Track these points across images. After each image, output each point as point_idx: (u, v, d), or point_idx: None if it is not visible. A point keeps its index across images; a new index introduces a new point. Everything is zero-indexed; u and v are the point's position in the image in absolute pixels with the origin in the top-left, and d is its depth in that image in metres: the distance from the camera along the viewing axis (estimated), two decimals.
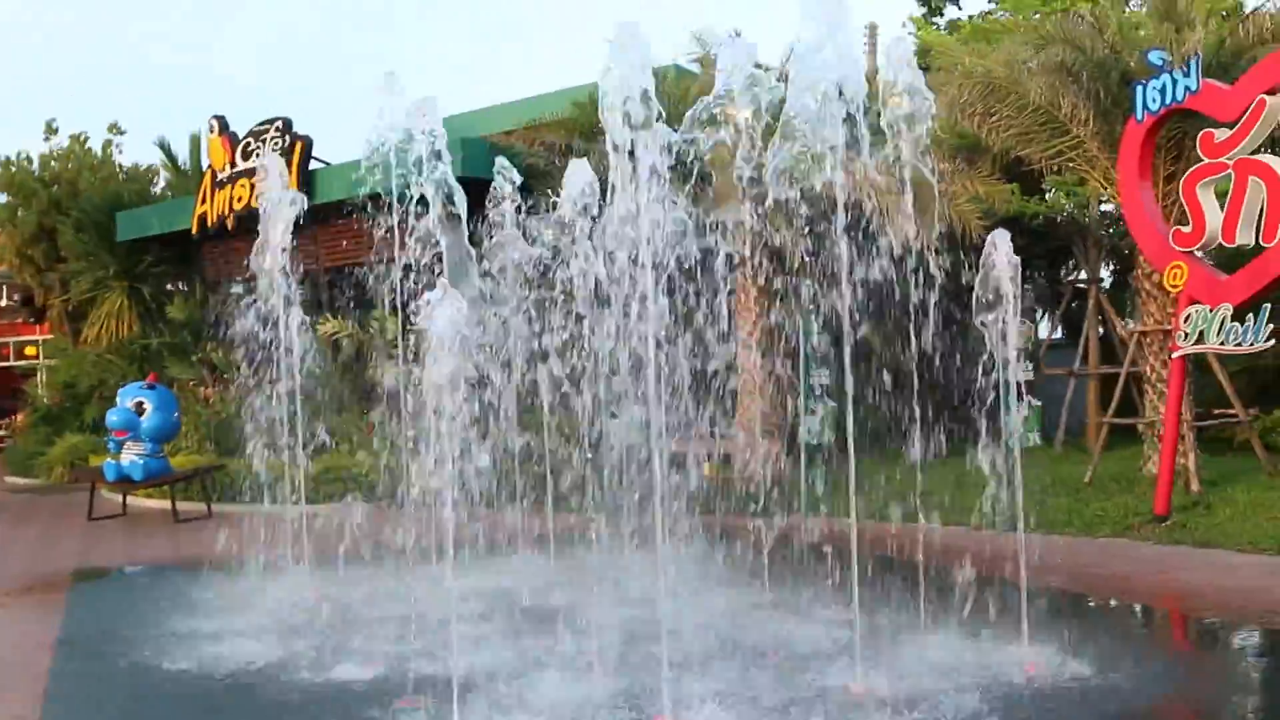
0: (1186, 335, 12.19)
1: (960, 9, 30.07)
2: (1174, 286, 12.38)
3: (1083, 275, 20.32)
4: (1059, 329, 23.64)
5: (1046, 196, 19.69)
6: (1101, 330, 19.99)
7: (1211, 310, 11.92)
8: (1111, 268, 20.92)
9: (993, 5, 27.19)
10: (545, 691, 6.86)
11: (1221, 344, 11.93)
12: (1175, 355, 12.54)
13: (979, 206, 15.87)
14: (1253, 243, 11.82)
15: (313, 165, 19.56)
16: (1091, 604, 9.88)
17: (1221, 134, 11.94)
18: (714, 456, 16.08)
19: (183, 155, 24.82)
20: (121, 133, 26.46)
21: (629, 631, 7.59)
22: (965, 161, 16.42)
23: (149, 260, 23.35)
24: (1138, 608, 9.75)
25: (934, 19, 29.62)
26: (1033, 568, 10.75)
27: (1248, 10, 14.58)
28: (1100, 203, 19.17)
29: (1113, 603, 9.96)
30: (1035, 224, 19.43)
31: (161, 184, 25.68)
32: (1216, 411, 15.11)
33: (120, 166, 26.26)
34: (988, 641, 7.77)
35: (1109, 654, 7.54)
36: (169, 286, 24.45)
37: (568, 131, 17.19)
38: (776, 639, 8.15)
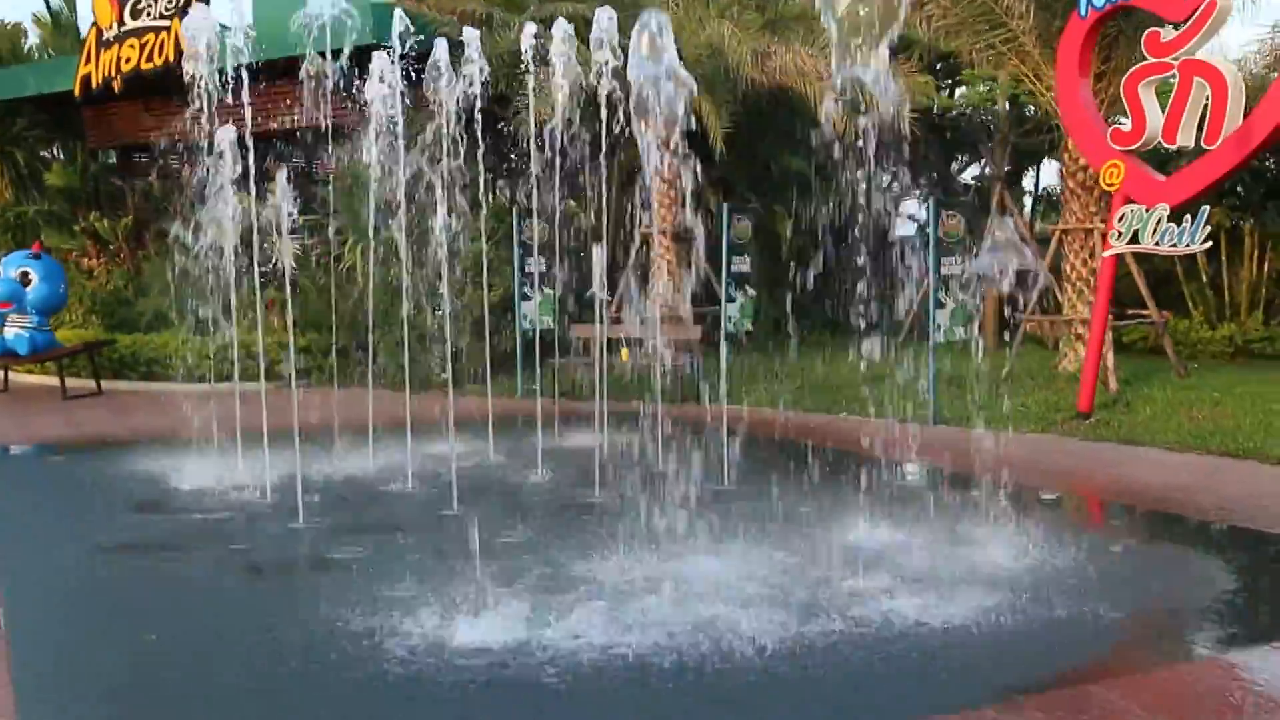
0: (1120, 234, 12.21)
1: None
2: (1110, 185, 12.38)
3: (986, 171, 20.41)
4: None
5: (958, 92, 19.64)
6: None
7: (1148, 210, 11.95)
8: (1009, 166, 20.95)
9: None
10: None
11: (1156, 244, 11.97)
12: (1107, 254, 12.57)
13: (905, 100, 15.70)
14: (1193, 144, 11.86)
15: None
16: (1048, 498, 9.86)
17: (1168, 34, 11.87)
18: (629, 342, 15.87)
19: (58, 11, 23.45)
20: None
21: None
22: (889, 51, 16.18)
23: (21, 123, 22.07)
24: (1100, 503, 9.74)
25: None
26: (970, 459, 10.86)
27: None
28: (1009, 99, 19.17)
29: (1069, 498, 9.96)
30: (946, 119, 19.41)
31: (33, 42, 24.21)
32: (1131, 312, 15.30)
33: None
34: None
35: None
36: (44, 153, 23.20)
37: (486, 1, 16.54)
38: None
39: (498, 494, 9.58)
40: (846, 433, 12.40)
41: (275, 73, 18.26)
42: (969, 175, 23.94)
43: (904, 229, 23.89)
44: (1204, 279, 18.58)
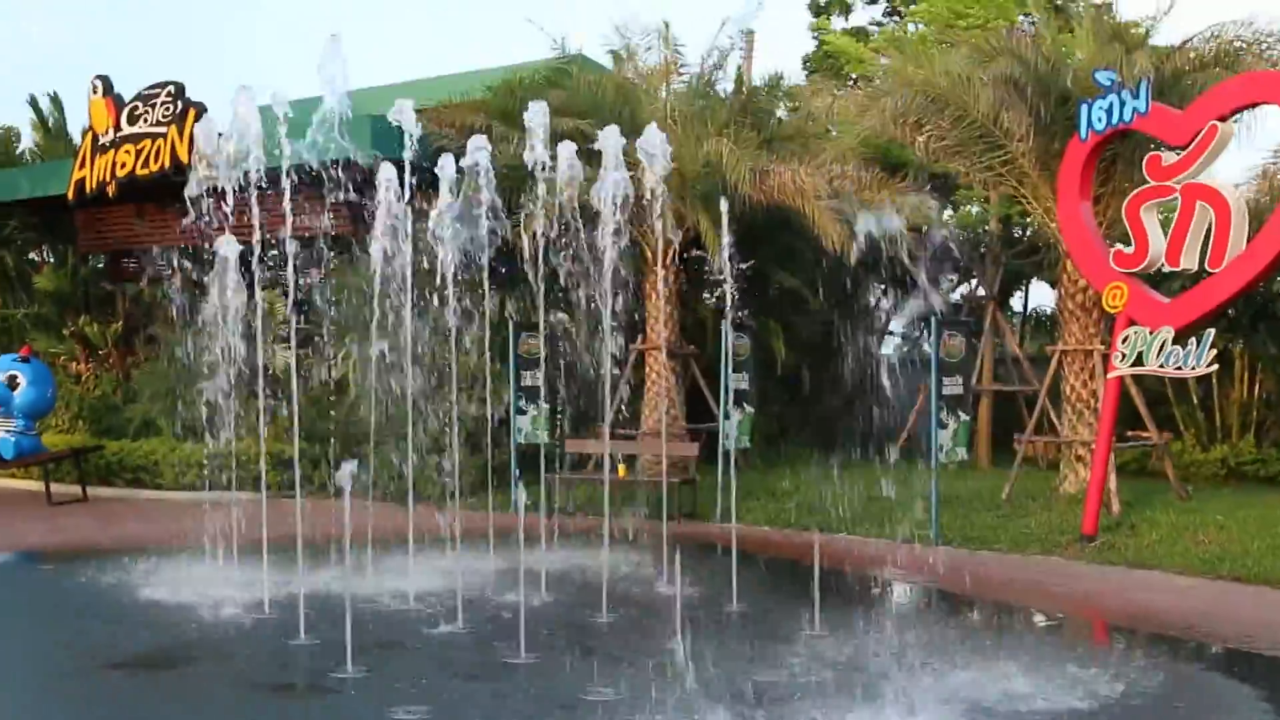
0: (1124, 356, 12.19)
1: (847, 20, 30.08)
2: (1113, 307, 12.38)
3: (979, 292, 20.49)
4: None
5: (951, 212, 19.76)
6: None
7: (1151, 332, 11.94)
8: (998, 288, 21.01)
9: (888, 21, 27.36)
10: None
11: (1161, 366, 11.96)
12: (1111, 375, 12.54)
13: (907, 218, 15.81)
14: (1195, 267, 11.91)
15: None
16: (1066, 625, 9.70)
17: (1169, 158, 11.98)
18: (625, 458, 15.72)
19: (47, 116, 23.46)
20: None
21: None
22: (885, 171, 16.31)
23: (12, 226, 21.99)
24: (1121, 630, 9.56)
25: (822, 30, 29.60)
26: (987, 584, 10.71)
27: (1180, 40, 14.66)
28: (1000, 220, 19.34)
29: (1087, 625, 9.79)
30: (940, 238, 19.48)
31: (24, 145, 24.21)
32: (1131, 433, 15.25)
33: None
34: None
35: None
36: (32, 255, 23.10)
37: (486, 114, 16.61)
38: None
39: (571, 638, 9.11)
40: (858, 554, 12.21)
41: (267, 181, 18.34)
42: (957, 295, 24.02)
43: (889, 348, 23.91)
44: (1194, 401, 18.58)
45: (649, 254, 16.77)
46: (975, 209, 18.40)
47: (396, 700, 6.86)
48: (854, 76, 20.46)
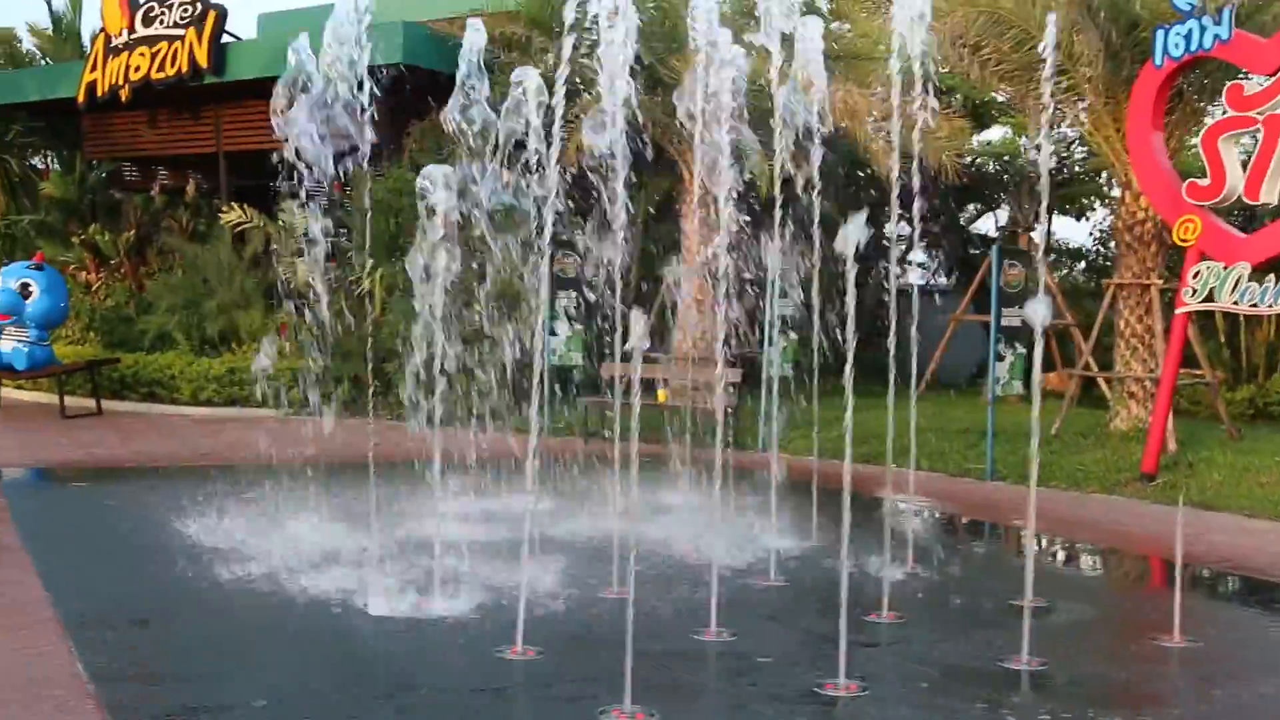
0: (1194, 292, 11.82)
1: None
2: (1184, 240, 11.98)
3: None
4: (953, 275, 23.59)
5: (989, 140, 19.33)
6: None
7: (1226, 268, 11.58)
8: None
9: None
10: None
11: (1235, 303, 11.61)
12: (1179, 311, 12.17)
13: (949, 145, 15.36)
14: (1276, 201, 11.53)
15: (225, 40, 17.91)
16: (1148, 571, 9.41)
17: (1251, 87, 11.56)
18: (668, 382, 15.33)
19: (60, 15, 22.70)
20: None
21: None
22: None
23: (16, 130, 21.31)
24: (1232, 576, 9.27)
25: None
26: (1062, 522, 10.40)
27: None
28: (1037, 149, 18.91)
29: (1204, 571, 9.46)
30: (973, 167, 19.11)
31: (27, 46, 23.42)
32: (1183, 371, 14.93)
33: None
34: None
35: None
36: (34, 161, 22.44)
37: (526, 24, 16.02)
38: None
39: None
40: (918, 488, 11.91)
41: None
42: (983, 225, 23.70)
43: (914, 277, 23.56)
44: (1220, 339, 18.29)
45: (686, 173, 16.30)
46: (1021, 137, 17.97)
47: None
48: None
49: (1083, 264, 23.72)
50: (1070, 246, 23.25)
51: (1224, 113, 11.75)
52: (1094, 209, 23.47)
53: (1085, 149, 20.14)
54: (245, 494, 10.12)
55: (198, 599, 7.02)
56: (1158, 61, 12.19)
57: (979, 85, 15.01)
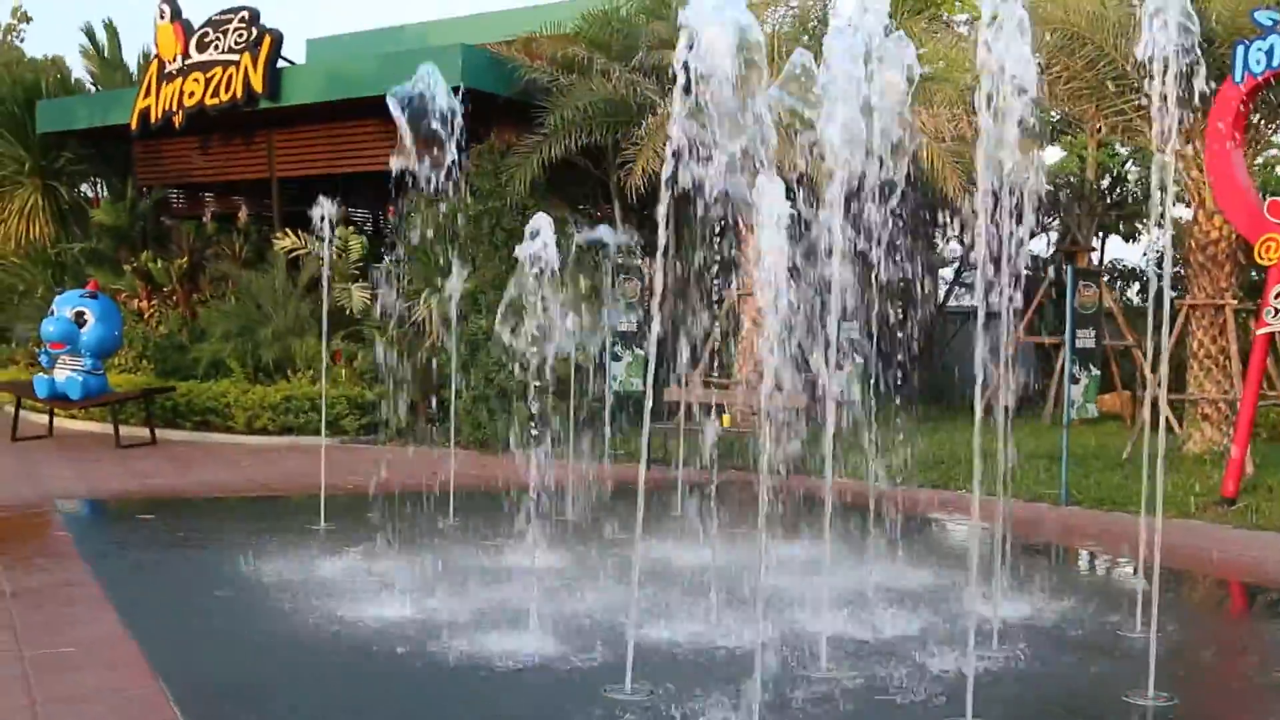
0: (1277, 312, 11.57)
1: None
2: (1267, 260, 11.71)
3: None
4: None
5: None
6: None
7: None
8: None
9: None
10: None
11: None
12: (1261, 331, 11.92)
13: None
14: None
15: (280, 64, 17.85)
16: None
17: None
18: (730, 407, 15.11)
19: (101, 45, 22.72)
20: (28, 19, 24.08)
21: None
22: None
23: (67, 157, 21.31)
24: None
25: None
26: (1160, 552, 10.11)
27: None
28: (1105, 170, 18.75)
29: None
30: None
31: (79, 74, 23.45)
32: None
33: (23, 55, 23.97)
34: None
35: None
36: (82, 187, 22.44)
37: (588, 45, 15.91)
38: None
39: None
40: (992, 513, 11.66)
41: (342, 113, 17.64)
42: (1037, 246, 23.44)
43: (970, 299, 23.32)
44: (1276, 356, 17.97)
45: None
46: (1081, 155, 17.73)
47: None
48: (948, 17, 19.75)
49: (1137, 285, 23.46)
50: (1126, 266, 22.98)
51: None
52: (1148, 230, 23.22)
53: (1138, 168, 19.90)
54: (318, 526, 9.99)
55: (317, 658, 6.36)
56: (1238, 77, 11.97)
57: (1044, 104, 14.78)
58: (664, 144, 14.48)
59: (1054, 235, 23.48)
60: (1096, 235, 22.06)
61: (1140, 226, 23.19)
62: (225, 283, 18.38)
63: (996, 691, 5.88)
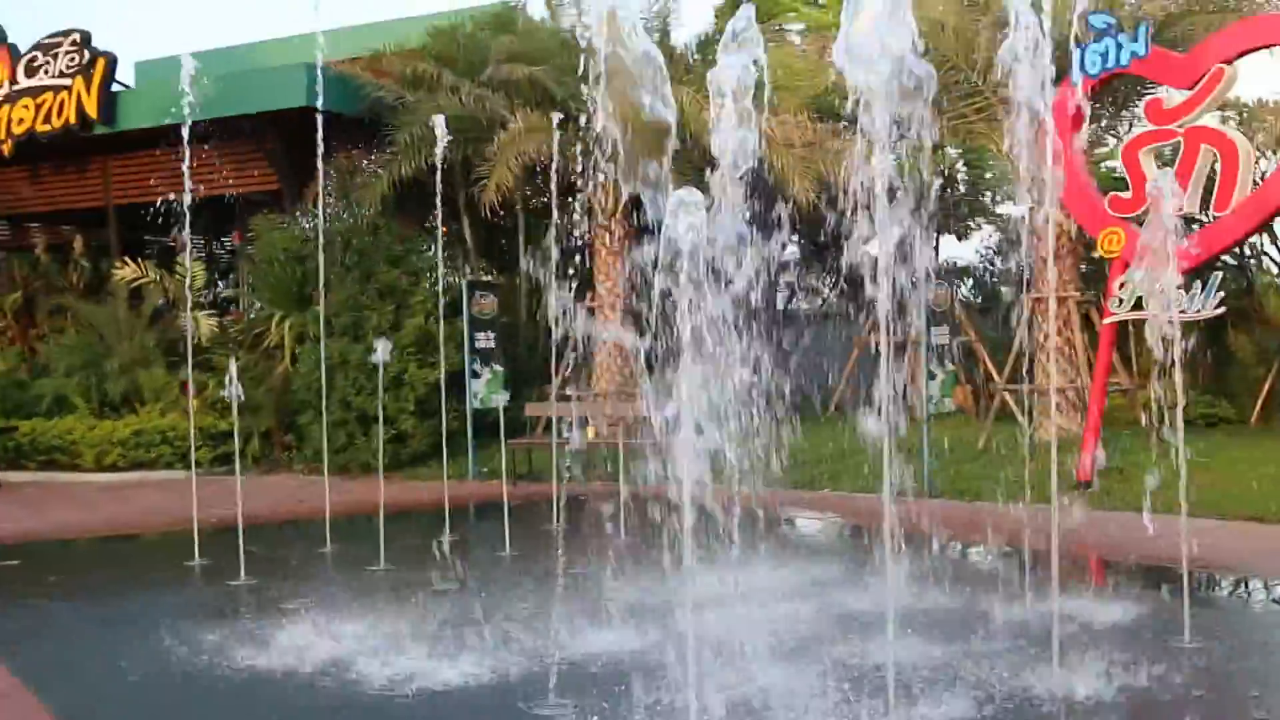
0: (1121, 301, 12.08)
1: None
2: (1110, 252, 12.24)
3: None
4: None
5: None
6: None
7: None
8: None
9: None
10: None
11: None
12: (1107, 321, 12.44)
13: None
14: (1197, 210, 11.85)
15: (115, 88, 17.32)
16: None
17: (1171, 101, 11.88)
18: (594, 419, 15.14)
19: None
20: None
21: None
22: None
23: None
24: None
25: None
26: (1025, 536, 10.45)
27: None
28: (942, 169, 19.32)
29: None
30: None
31: None
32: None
33: None
34: None
35: None
36: None
37: (435, 61, 15.79)
38: None
39: None
40: (861, 509, 11.97)
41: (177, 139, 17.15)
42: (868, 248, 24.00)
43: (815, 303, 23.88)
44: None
45: (598, 209, 16.19)
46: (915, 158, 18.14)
47: None
48: (781, 25, 20.12)
49: (970, 281, 24.22)
50: (958, 265, 23.69)
51: (1141, 126, 12.08)
52: (979, 228, 24.00)
53: (967, 169, 20.54)
54: (193, 562, 9.70)
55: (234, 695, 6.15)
56: (1075, 79, 12.46)
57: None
58: (516, 159, 14.45)
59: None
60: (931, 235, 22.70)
61: (971, 225, 23.95)
62: (63, 316, 17.75)
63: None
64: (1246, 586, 9.27)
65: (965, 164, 21.49)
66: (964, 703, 5.63)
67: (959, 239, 24.59)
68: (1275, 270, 19.18)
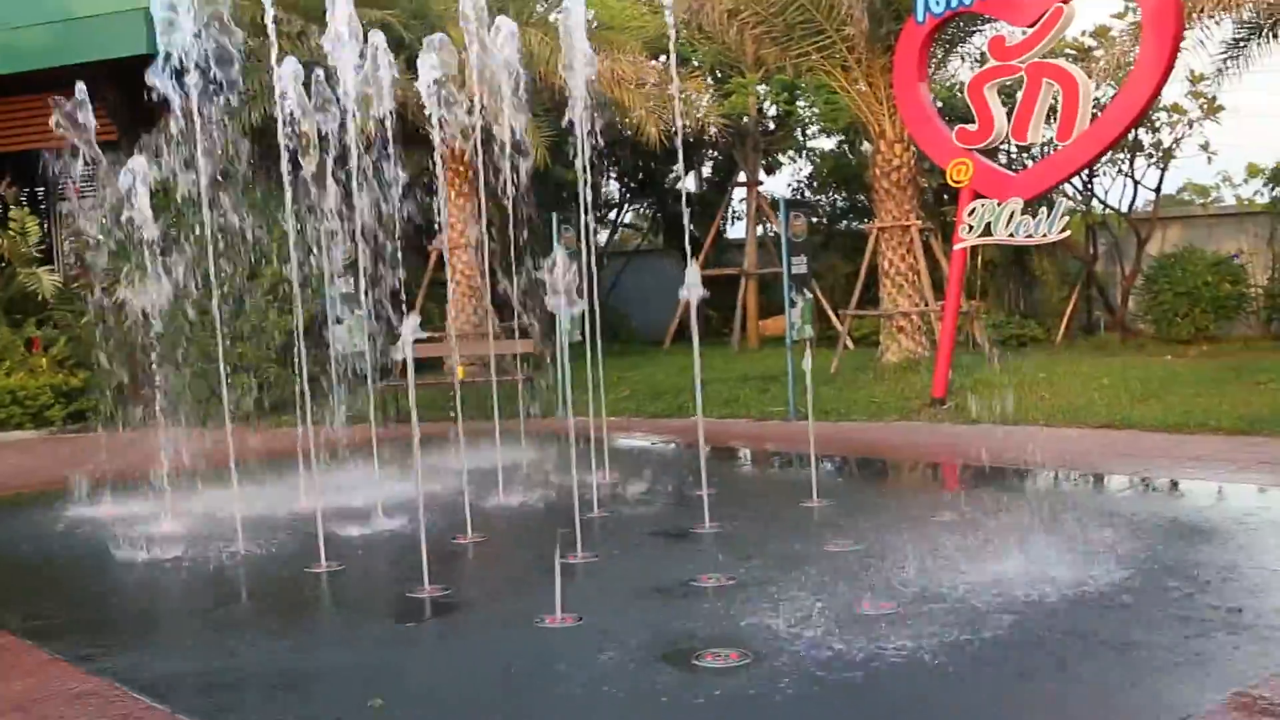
0: (970, 228, 12.86)
1: None
2: (958, 182, 12.99)
3: (740, 178, 21.05)
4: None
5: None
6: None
7: (1000, 204, 12.65)
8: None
9: None
10: None
11: (1011, 235, 12.68)
12: (958, 246, 13.20)
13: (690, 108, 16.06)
14: (1040, 141, 12.69)
15: None
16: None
17: (1012, 38, 12.65)
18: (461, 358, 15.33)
19: None
20: None
21: None
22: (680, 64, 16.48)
23: None
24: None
25: None
26: (898, 449, 11.16)
27: None
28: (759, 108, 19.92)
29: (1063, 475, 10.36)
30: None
31: None
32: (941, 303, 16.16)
33: None
34: None
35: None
36: None
37: (284, 8, 15.54)
38: None
39: None
40: (738, 433, 12.54)
41: (12, 88, 16.58)
42: (687, 183, 24.60)
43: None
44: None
45: (446, 151, 16.28)
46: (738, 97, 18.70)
47: None
48: None
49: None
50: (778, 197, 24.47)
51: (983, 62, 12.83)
52: (792, 160, 24.76)
53: (805, 104, 21.14)
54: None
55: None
56: (919, 18, 13.12)
57: (735, 49, 15.70)
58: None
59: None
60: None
61: (784, 159, 24.69)
62: None
63: None
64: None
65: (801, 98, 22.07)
66: None
67: (768, 173, 25.41)
68: (1077, 197, 20.45)
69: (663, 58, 16.30)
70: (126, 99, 16.29)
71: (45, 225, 17.05)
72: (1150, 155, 19.81)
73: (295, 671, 5.25)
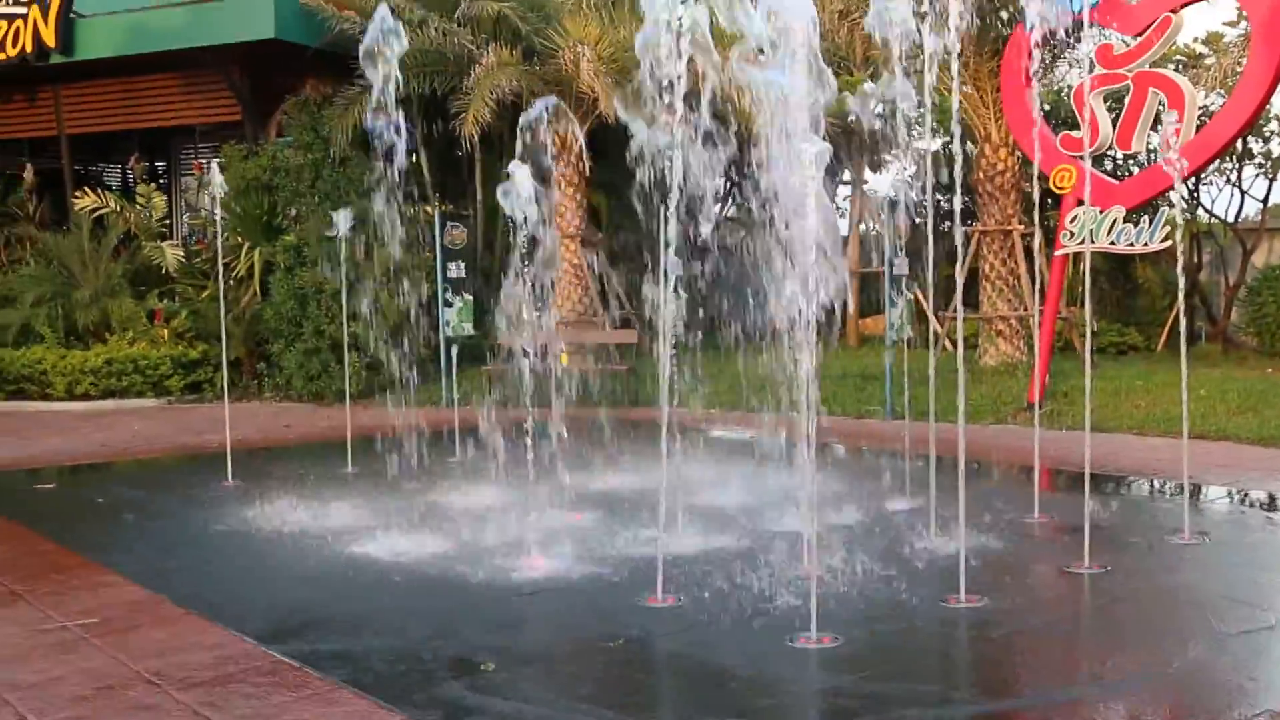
0: (1072, 235, 12.97)
1: None
2: (1061, 188, 13.11)
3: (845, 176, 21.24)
4: None
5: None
6: None
7: (1102, 212, 12.74)
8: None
9: None
10: None
11: (1112, 244, 12.78)
12: (1059, 253, 13.32)
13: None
14: (1144, 150, 12.76)
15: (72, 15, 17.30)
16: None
17: (1120, 46, 12.74)
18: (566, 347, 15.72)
19: None
20: None
21: None
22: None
23: None
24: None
25: None
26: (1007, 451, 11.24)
27: None
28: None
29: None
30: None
31: None
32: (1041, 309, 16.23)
33: None
34: None
35: None
36: None
37: None
38: None
39: None
40: (838, 430, 12.77)
41: (139, 67, 17.27)
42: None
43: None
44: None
45: (556, 141, 16.68)
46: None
47: None
48: None
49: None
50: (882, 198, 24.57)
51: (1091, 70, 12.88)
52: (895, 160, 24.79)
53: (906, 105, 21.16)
54: (227, 481, 10.15)
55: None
56: (1030, 24, 13.23)
57: (845, 49, 15.89)
58: (491, 93, 14.90)
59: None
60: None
61: (889, 158, 24.73)
62: (22, 246, 17.80)
63: None
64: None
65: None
66: None
67: (873, 170, 25.47)
68: (1181, 207, 20.33)
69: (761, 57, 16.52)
70: (250, 80, 16.99)
71: (169, 200, 17.72)
72: (1259, 164, 19.67)
73: None
